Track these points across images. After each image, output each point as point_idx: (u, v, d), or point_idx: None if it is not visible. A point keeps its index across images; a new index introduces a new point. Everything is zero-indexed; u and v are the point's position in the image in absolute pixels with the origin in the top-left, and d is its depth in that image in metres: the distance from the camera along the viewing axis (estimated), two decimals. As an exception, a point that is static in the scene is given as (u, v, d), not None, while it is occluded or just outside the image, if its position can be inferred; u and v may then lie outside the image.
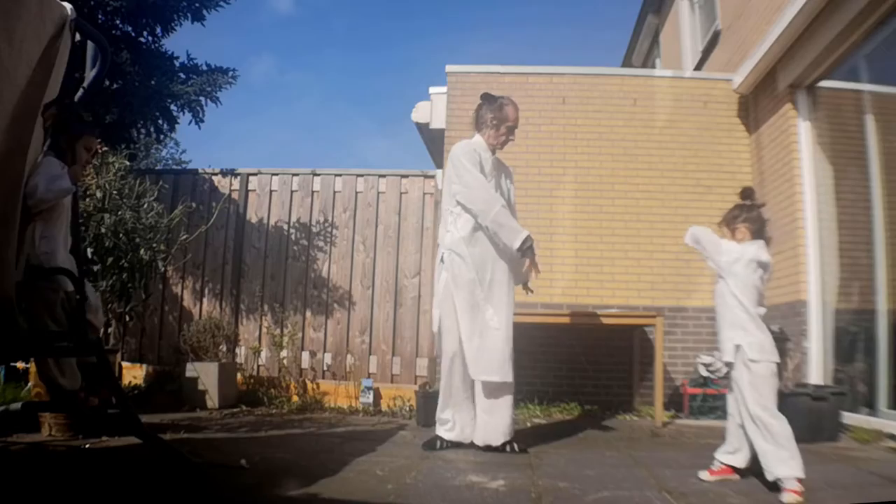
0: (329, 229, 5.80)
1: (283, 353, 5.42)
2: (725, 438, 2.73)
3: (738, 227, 2.76)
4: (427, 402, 4.08)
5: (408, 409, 4.73)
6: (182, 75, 5.86)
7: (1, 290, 2.10)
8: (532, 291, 3.63)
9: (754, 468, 2.62)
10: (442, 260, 3.39)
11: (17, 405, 2.90)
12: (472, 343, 3.24)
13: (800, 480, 2.35)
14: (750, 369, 2.57)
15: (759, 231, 2.75)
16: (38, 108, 2.20)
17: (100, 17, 5.44)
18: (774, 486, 2.43)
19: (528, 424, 4.30)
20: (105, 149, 4.25)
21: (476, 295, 3.26)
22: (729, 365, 2.69)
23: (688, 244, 2.86)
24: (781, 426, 2.47)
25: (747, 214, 2.77)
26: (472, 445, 3.33)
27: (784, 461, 2.40)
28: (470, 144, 3.43)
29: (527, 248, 3.23)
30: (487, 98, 3.51)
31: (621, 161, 5.49)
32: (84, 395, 3.15)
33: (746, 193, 2.89)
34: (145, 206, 4.60)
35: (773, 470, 2.43)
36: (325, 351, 5.62)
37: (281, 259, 5.78)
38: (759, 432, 2.50)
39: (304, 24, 43.43)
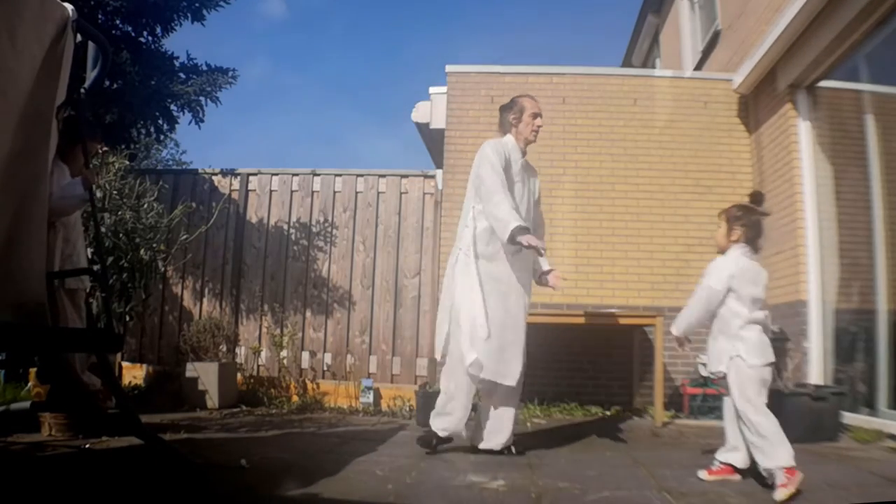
0: (329, 229, 5.80)
1: (283, 353, 5.42)
2: (725, 438, 2.75)
3: (735, 227, 2.75)
4: (427, 402, 4.05)
5: (408, 409, 4.73)
6: (182, 75, 5.87)
7: (34, 296, 2.09)
8: (555, 288, 3.49)
9: (754, 469, 2.63)
10: (458, 259, 3.29)
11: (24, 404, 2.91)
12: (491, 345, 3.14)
13: (789, 470, 2.36)
14: (738, 369, 2.59)
15: (752, 239, 2.75)
16: (48, 109, 2.17)
17: (100, 17, 5.45)
18: (774, 486, 2.43)
19: (529, 425, 4.30)
20: (105, 149, 4.25)
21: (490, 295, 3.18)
22: (716, 374, 2.69)
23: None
24: (767, 420, 2.49)
25: (749, 218, 2.76)
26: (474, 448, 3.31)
27: (768, 453, 2.43)
28: (501, 143, 3.35)
29: (517, 241, 3.05)
30: (504, 106, 3.50)
31: (621, 161, 5.48)
32: (106, 394, 3.17)
33: (757, 198, 2.88)
34: (145, 206, 4.59)
35: (761, 462, 2.47)
36: (325, 351, 5.62)
37: (281, 259, 5.78)
38: (747, 427, 2.53)
39: (303, 25, 43.50)
